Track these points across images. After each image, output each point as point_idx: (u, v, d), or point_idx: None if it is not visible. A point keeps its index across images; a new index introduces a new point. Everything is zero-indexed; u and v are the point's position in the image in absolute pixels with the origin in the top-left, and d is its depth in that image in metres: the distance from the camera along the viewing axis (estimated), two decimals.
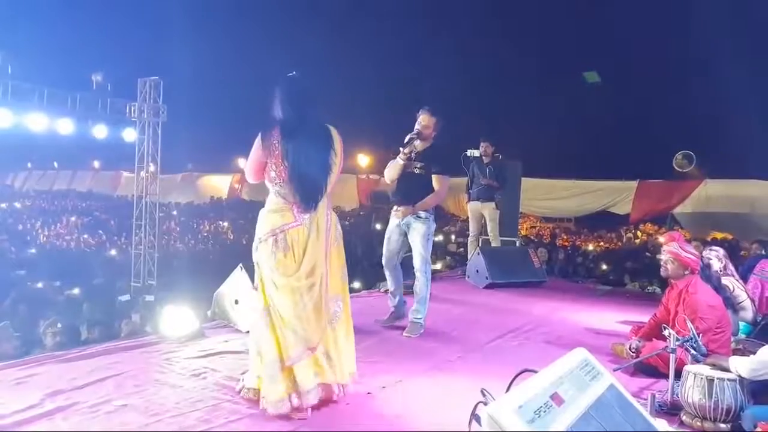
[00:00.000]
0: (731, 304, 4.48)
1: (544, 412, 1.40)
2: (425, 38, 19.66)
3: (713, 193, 12.89)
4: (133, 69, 12.87)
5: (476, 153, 7.50)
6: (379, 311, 5.45)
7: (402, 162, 4.44)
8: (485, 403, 1.80)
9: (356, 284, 10.14)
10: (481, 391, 1.93)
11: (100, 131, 11.26)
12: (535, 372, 1.58)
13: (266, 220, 2.97)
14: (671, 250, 4.05)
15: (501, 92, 17.71)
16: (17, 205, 23.65)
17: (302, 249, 2.90)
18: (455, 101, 18.57)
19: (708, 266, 4.61)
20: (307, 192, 2.92)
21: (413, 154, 4.46)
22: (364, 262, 13.01)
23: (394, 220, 4.65)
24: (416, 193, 4.52)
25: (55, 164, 32.14)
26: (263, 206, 3.07)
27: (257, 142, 2.97)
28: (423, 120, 4.51)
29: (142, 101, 11.37)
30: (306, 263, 2.89)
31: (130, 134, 11.70)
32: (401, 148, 4.43)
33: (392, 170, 4.53)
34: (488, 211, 7.52)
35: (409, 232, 4.58)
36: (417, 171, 4.49)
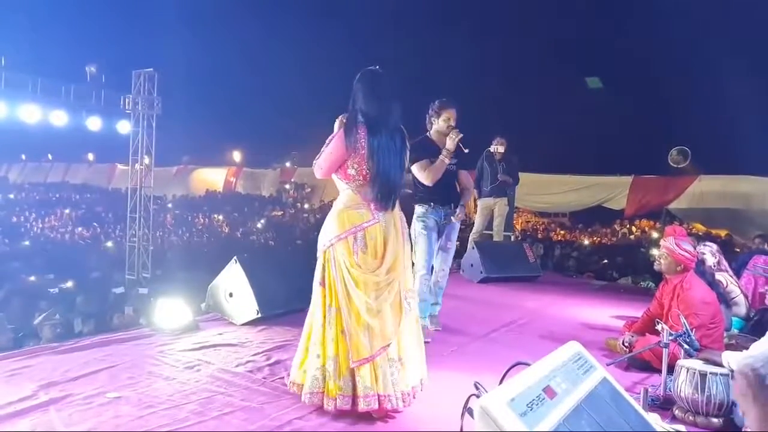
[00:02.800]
0: (725, 299, 4.50)
1: (537, 405, 1.40)
2: (426, 33, 19.62)
3: (708, 188, 12.94)
4: (127, 61, 12.79)
5: (501, 149, 7.44)
6: None
7: (447, 162, 4.26)
8: (478, 396, 1.81)
9: None
10: (475, 385, 1.93)
11: (94, 123, 11.19)
12: (528, 365, 1.58)
13: (344, 218, 2.89)
14: (667, 245, 4.06)
15: (496, 87, 17.70)
16: (11, 196, 23.51)
17: (381, 246, 2.87)
18: (450, 95, 18.59)
19: (702, 262, 4.63)
20: (387, 191, 2.89)
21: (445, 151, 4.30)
22: None
23: (431, 221, 4.39)
24: (454, 192, 4.47)
25: (50, 156, 32.00)
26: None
27: (340, 137, 2.88)
28: (451, 116, 4.35)
29: (137, 93, 11.28)
30: (387, 260, 2.85)
31: (124, 126, 11.63)
32: (445, 149, 4.21)
33: (437, 172, 4.25)
34: (499, 207, 7.58)
35: (451, 231, 4.51)
36: (452, 168, 4.39)
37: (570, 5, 17.33)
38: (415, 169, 4.31)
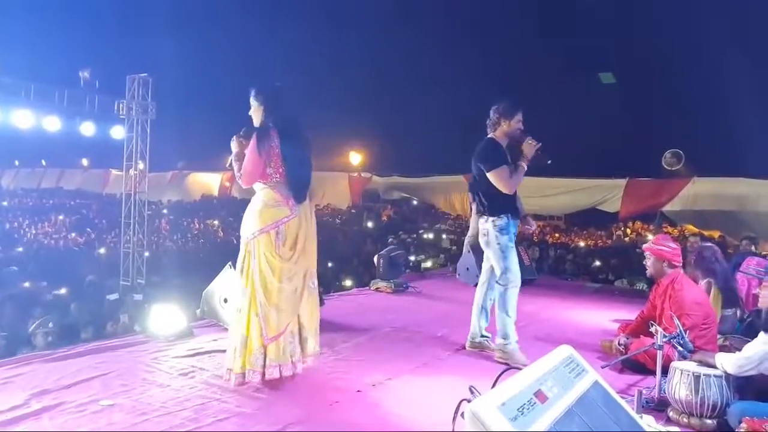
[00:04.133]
0: (735, 302, 4.50)
1: (528, 409, 1.40)
2: (417, 35, 19.65)
3: (701, 191, 12.98)
4: (121, 66, 12.74)
5: None
6: (369, 310, 5.46)
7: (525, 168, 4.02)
8: (470, 401, 1.81)
9: (348, 282, 10.15)
10: (470, 389, 1.93)
11: (87, 129, 11.12)
12: (520, 369, 1.58)
13: (265, 214, 3.29)
14: (646, 246, 4.19)
15: (491, 92, 17.72)
16: (5, 203, 23.38)
17: (296, 237, 3.31)
18: (448, 100, 18.62)
19: (703, 258, 4.61)
20: (300, 188, 3.35)
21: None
22: (354, 260, 13.01)
23: (513, 233, 4.08)
24: (520, 203, 4.22)
25: (43, 162, 31.83)
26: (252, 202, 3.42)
27: (253, 149, 3.25)
28: (520, 118, 4.09)
29: (131, 98, 11.24)
30: (299, 249, 3.30)
31: (118, 132, 11.57)
32: (524, 156, 3.99)
33: (520, 180, 4.02)
34: None
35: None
36: None
37: (566, 7, 17.37)
38: (495, 177, 3.93)
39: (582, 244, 14.45)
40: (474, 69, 19.35)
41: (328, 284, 9.66)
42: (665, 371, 3.21)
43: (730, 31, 13.43)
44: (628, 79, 16.74)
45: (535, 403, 1.41)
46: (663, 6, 15.52)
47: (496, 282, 4.06)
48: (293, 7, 21.50)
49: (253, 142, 3.25)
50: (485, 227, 4.07)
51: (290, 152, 3.29)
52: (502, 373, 1.74)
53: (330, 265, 12.43)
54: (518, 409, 1.36)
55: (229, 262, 4.50)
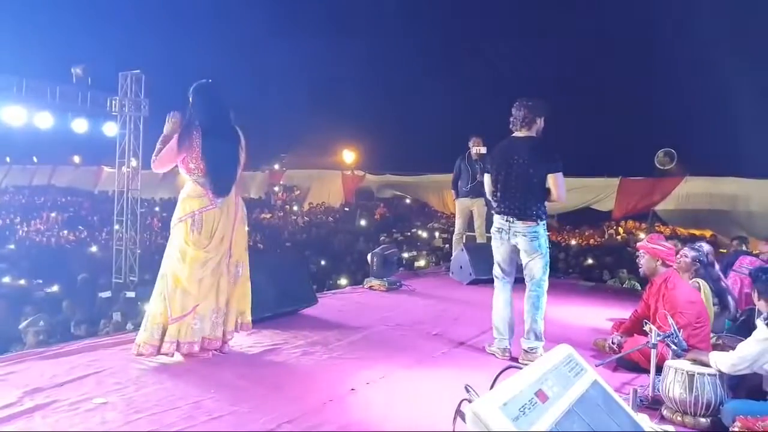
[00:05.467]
0: (726, 302, 4.54)
1: (529, 409, 1.40)
2: (412, 33, 19.63)
3: (694, 190, 13.04)
4: (114, 62, 12.66)
5: (483, 150, 7.33)
6: (363, 308, 5.46)
7: None
8: (470, 400, 1.80)
9: (342, 281, 10.12)
10: (465, 388, 1.93)
11: (80, 125, 11.04)
12: (520, 368, 1.58)
13: (186, 204, 3.56)
14: (640, 245, 4.22)
15: (484, 89, 17.76)
16: None
17: (213, 227, 3.53)
18: (440, 98, 18.62)
19: (712, 264, 4.66)
20: (221, 182, 3.54)
21: None
22: (347, 258, 13.00)
23: None
24: None
25: (35, 159, 31.56)
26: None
27: (174, 142, 3.52)
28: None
29: (124, 95, 11.18)
30: (216, 238, 3.53)
31: (111, 129, 11.50)
32: None
33: None
34: (477, 207, 7.48)
35: None
36: None
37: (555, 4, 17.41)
38: (561, 179, 3.93)
39: (573, 242, 14.48)
40: (466, 67, 19.38)
41: (321, 282, 9.64)
42: (659, 370, 3.23)
43: (724, 31, 13.49)
44: (620, 77, 16.79)
45: (536, 402, 1.41)
46: (658, 4, 15.56)
47: (541, 283, 4.07)
48: (287, 5, 21.42)
49: (175, 137, 3.52)
50: (537, 231, 3.97)
51: (211, 149, 3.49)
52: (501, 372, 1.73)
53: (323, 263, 12.43)
54: (520, 409, 1.36)
55: None
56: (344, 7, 19.99)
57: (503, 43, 17.99)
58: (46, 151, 27.34)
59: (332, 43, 19.72)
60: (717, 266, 4.95)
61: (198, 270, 3.49)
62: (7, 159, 32.01)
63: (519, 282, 4.28)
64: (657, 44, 15.98)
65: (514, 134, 4.11)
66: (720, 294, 4.56)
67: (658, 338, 3.30)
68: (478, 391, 1.92)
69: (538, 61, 17.67)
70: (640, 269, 4.23)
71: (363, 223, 17.72)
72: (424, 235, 15.12)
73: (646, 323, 3.70)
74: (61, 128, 11.05)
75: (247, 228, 3.85)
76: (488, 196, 4.30)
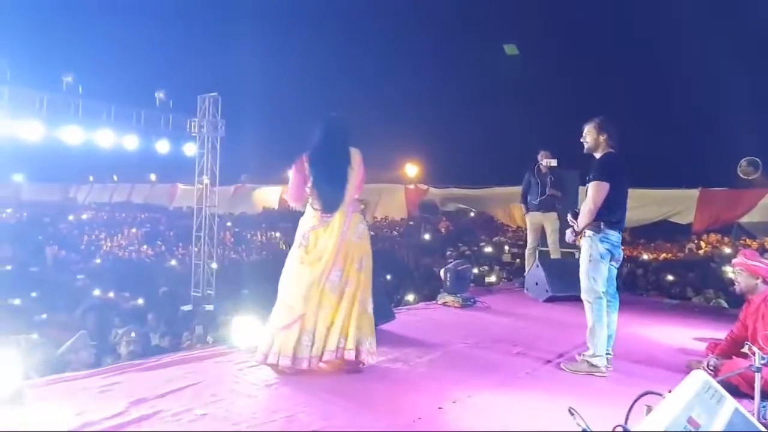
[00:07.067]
0: None
1: None
2: (476, 46, 19.58)
3: None
4: (193, 86, 13.36)
5: (553, 163, 7.28)
6: (440, 325, 5.45)
7: None
8: (579, 424, 1.78)
9: (410, 296, 10.12)
10: (569, 410, 1.90)
11: (162, 146, 11.74)
12: (660, 395, 1.56)
13: (302, 224, 3.89)
14: (737, 261, 4.04)
15: (553, 101, 17.43)
16: (84, 216, 24.78)
17: (317, 244, 3.76)
18: (506, 109, 18.42)
19: None
20: (327, 201, 3.77)
21: None
22: (413, 273, 12.99)
23: None
24: None
25: (115, 177, 33.60)
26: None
27: (293, 170, 3.84)
28: None
29: (202, 117, 11.77)
30: (315, 254, 3.73)
31: (190, 149, 12.14)
32: None
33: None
34: (550, 221, 7.34)
35: None
36: None
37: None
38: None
39: (646, 257, 13.86)
40: (528, 81, 19.09)
41: (389, 297, 9.65)
42: (764, 395, 3.04)
43: None
44: (699, 86, 16.08)
45: (690, 430, 1.39)
46: (732, 11, 14.84)
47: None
48: (352, 24, 21.92)
49: (291, 170, 3.88)
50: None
51: (316, 173, 3.78)
52: (639, 398, 1.71)
53: (389, 277, 12.47)
54: None
55: None
56: (409, 21, 20.21)
57: (573, 57, 17.62)
58: (126, 171, 29.09)
59: (397, 57, 19.97)
60: None
61: (300, 284, 3.69)
62: (90, 178, 34.26)
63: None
64: (736, 49, 15.21)
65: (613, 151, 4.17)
66: None
67: (763, 362, 3.11)
68: (582, 413, 1.89)
69: (611, 73, 17.20)
70: (736, 287, 4.04)
71: (427, 237, 17.68)
72: (491, 249, 14.91)
73: (749, 345, 3.50)
74: (145, 149, 11.78)
75: (367, 247, 3.88)
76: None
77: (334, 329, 3.68)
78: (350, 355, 3.66)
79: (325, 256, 3.71)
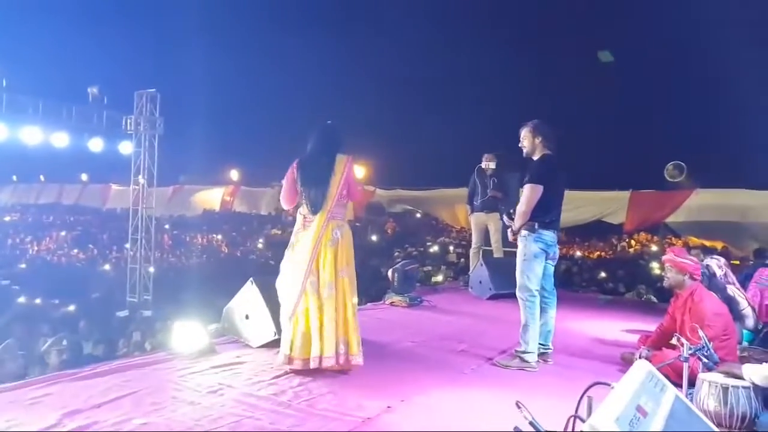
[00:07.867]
0: (737, 313, 4.55)
1: (635, 423, 1.49)
2: (422, 45, 19.74)
3: (704, 202, 13.07)
4: (130, 82, 12.83)
5: (492, 165, 7.51)
6: (387, 324, 5.48)
7: None
8: (526, 417, 1.83)
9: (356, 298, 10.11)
10: (516, 404, 1.95)
11: (96, 144, 11.19)
12: (608, 384, 1.64)
13: (295, 226, 4.10)
14: (667, 258, 4.21)
15: (494, 103, 17.85)
16: (6, 218, 23.33)
17: (300, 244, 3.94)
18: (454, 111, 18.70)
19: (713, 275, 4.69)
20: (311, 205, 3.94)
21: None
22: (361, 274, 12.98)
23: None
24: None
25: (42, 177, 31.77)
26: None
27: (287, 174, 4.04)
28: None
29: (139, 114, 11.31)
30: (297, 254, 3.92)
31: (126, 147, 11.63)
32: None
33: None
34: (493, 222, 7.54)
35: None
36: None
37: (571, 15, 17.47)
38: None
39: (581, 255, 14.44)
40: (477, 82, 19.48)
41: None
42: (691, 384, 3.23)
43: (732, 41, 13.55)
44: (628, 90, 16.88)
45: (639, 417, 1.48)
46: (665, 16, 15.68)
47: None
48: (296, 21, 21.68)
49: (287, 174, 4.06)
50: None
51: (302, 177, 3.97)
52: (589, 388, 1.78)
53: None
54: (629, 424, 1.42)
55: (251, 279, 4.51)
56: (353, 20, 20.15)
57: (514, 59, 18.08)
58: (55, 170, 27.56)
59: (342, 57, 19.88)
60: (733, 277, 4.98)
61: (285, 282, 3.95)
62: (14, 177, 32.24)
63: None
64: (666, 55, 16.06)
65: (550, 153, 4.31)
66: (728, 304, 4.56)
67: (690, 351, 3.31)
68: (528, 407, 1.94)
69: (550, 76, 17.76)
70: (665, 282, 4.25)
71: (374, 238, 17.72)
72: (437, 249, 15.12)
73: (678, 337, 3.71)
74: (77, 147, 11.20)
75: (349, 252, 3.98)
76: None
77: (326, 333, 3.77)
78: (357, 360, 3.82)
79: (305, 258, 3.88)
